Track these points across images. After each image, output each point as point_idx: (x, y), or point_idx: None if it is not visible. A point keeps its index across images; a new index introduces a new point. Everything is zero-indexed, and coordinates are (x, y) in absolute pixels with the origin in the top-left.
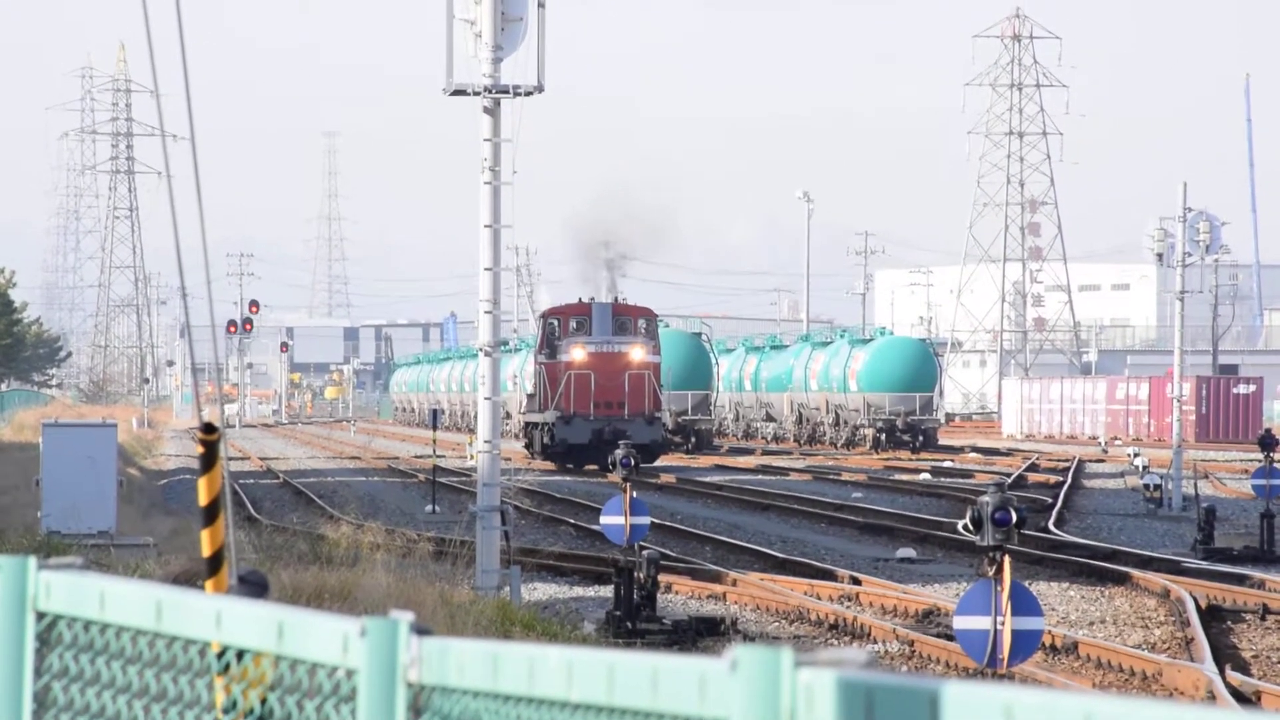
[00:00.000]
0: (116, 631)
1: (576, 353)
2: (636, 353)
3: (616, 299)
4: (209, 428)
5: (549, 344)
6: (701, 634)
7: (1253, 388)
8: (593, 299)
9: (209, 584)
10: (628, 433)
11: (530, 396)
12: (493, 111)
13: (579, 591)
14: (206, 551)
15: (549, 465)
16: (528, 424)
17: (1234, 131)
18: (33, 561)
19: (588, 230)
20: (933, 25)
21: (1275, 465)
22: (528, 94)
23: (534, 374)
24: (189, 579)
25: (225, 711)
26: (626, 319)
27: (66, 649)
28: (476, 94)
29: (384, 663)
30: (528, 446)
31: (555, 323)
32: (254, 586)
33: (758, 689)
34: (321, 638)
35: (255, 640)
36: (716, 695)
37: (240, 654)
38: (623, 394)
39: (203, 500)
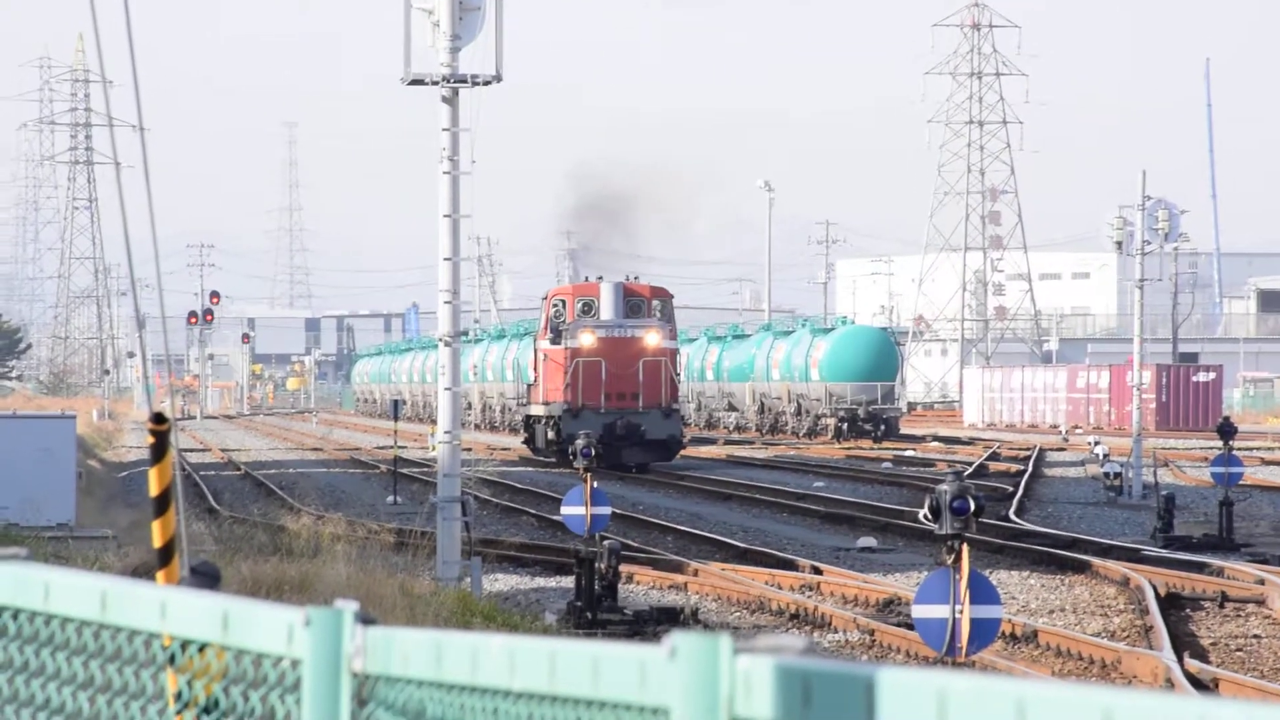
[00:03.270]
0: (61, 623)
1: (584, 338)
2: (651, 337)
3: (628, 277)
4: (159, 418)
5: (553, 328)
6: (662, 624)
7: (1212, 375)
8: (601, 278)
9: (160, 575)
10: (642, 427)
11: (531, 387)
12: (451, 101)
13: (540, 582)
14: (158, 542)
15: (547, 463)
16: (528, 418)
17: (1194, 117)
18: None
19: (551, 220)
20: (892, 14)
21: (1234, 453)
22: (486, 83)
23: (536, 362)
24: (148, 571)
25: (176, 700)
26: (639, 300)
27: (11, 640)
28: (434, 83)
29: (328, 652)
30: (528, 443)
31: (560, 304)
32: (206, 578)
33: (697, 676)
34: (266, 628)
35: (200, 631)
36: (656, 683)
37: (185, 645)
38: (637, 384)
39: (153, 491)
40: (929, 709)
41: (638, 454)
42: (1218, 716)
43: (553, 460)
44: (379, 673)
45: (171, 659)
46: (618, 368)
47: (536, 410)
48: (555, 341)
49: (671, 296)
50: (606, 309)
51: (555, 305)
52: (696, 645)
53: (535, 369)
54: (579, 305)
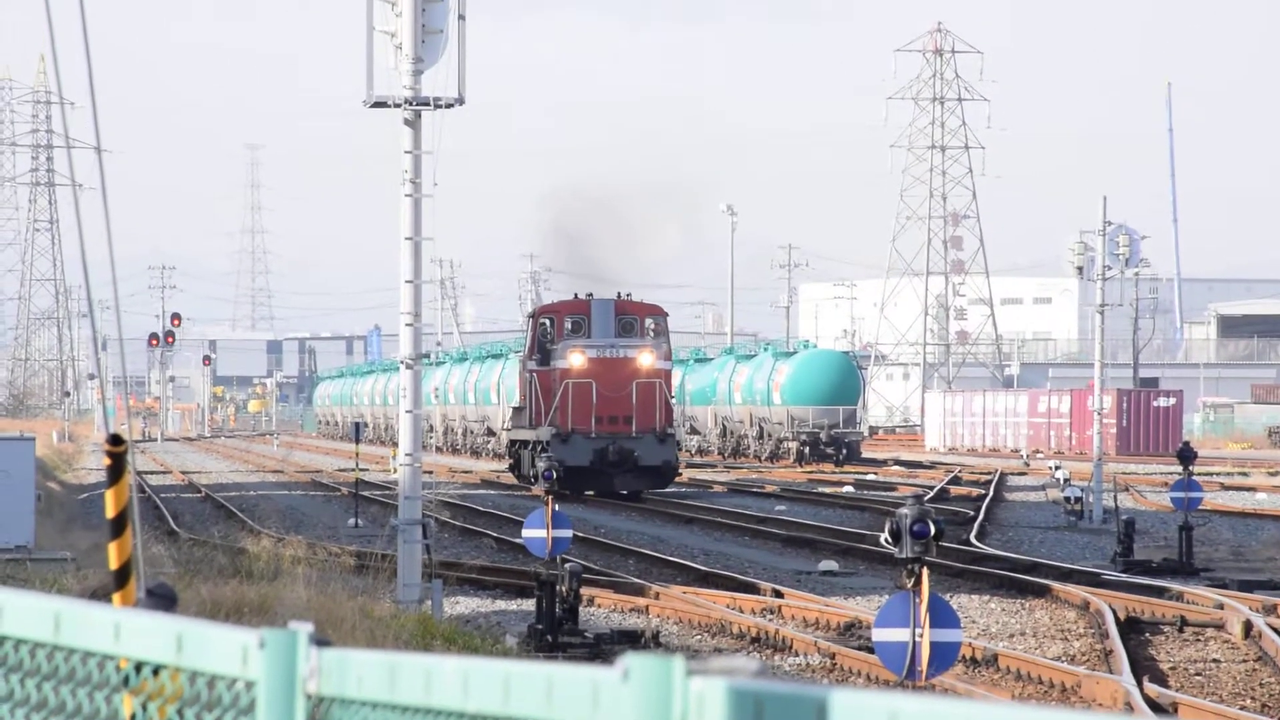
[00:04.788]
0: (15, 644)
1: (574, 358)
2: (645, 358)
3: (620, 295)
4: (116, 439)
5: (540, 348)
6: (623, 647)
7: (1173, 400)
8: (591, 295)
9: (117, 597)
10: (636, 453)
11: (517, 410)
12: (413, 124)
13: (501, 605)
14: (114, 564)
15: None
16: (513, 443)
17: (1156, 143)
18: None
19: (518, 243)
20: (855, 39)
21: (1194, 478)
22: (448, 106)
23: (523, 383)
24: (106, 593)
25: None
26: (632, 318)
27: None
28: (397, 106)
29: (283, 674)
30: (513, 469)
31: (547, 322)
32: (162, 599)
33: (650, 697)
34: (221, 649)
35: (155, 653)
36: (609, 704)
37: (139, 666)
38: (630, 407)
39: (110, 512)
40: None
41: (630, 481)
42: None
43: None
44: (333, 694)
45: (126, 681)
46: (610, 390)
47: (523, 435)
48: (543, 362)
49: (666, 315)
50: (598, 327)
51: (542, 324)
52: (649, 667)
53: (521, 391)
54: (568, 324)
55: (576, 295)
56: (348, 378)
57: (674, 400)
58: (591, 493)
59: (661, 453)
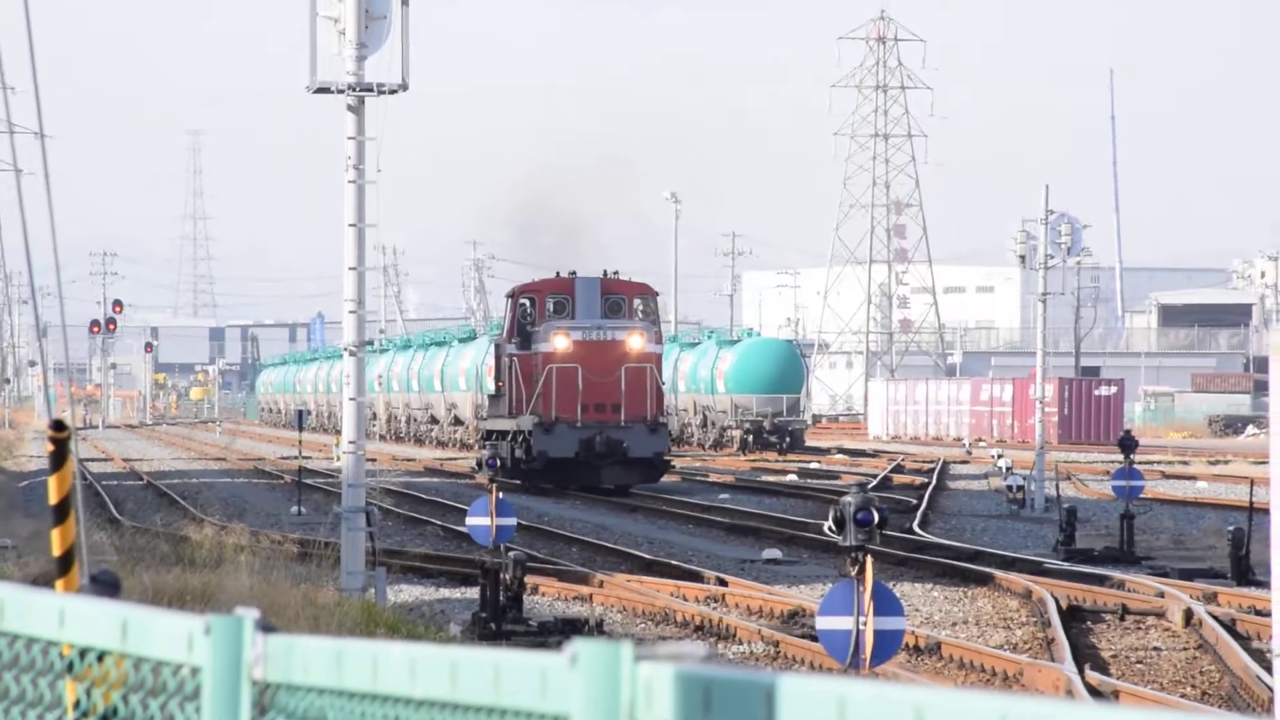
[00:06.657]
0: None
1: (558, 340)
2: (635, 341)
3: (606, 272)
4: (59, 425)
5: (520, 330)
6: (567, 635)
7: (1114, 389)
8: (574, 273)
9: (60, 583)
10: (625, 443)
11: (494, 398)
12: (357, 110)
13: (445, 593)
14: (57, 551)
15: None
16: (490, 434)
17: (1098, 131)
18: None
19: (462, 229)
20: (798, 27)
21: (1135, 467)
22: (391, 92)
23: (500, 368)
24: (48, 580)
25: (75, 708)
26: (619, 298)
27: None
28: (340, 92)
29: (228, 660)
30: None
31: (528, 302)
32: (106, 586)
33: (598, 683)
34: (166, 636)
35: (99, 639)
36: (557, 690)
37: (84, 653)
38: (618, 393)
39: (53, 499)
40: (829, 715)
41: (619, 474)
42: None
43: (517, 482)
44: (280, 680)
45: (70, 667)
46: (596, 375)
47: (500, 425)
48: (523, 345)
49: (656, 294)
50: (582, 308)
51: (522, 304)
52: (597, 653)
53: (499, 377)
54: (550, 304)
55: (558, 273)
56: (291, 365)
57: (665, 386)
58: (574, 488)
59: (653, 444)
